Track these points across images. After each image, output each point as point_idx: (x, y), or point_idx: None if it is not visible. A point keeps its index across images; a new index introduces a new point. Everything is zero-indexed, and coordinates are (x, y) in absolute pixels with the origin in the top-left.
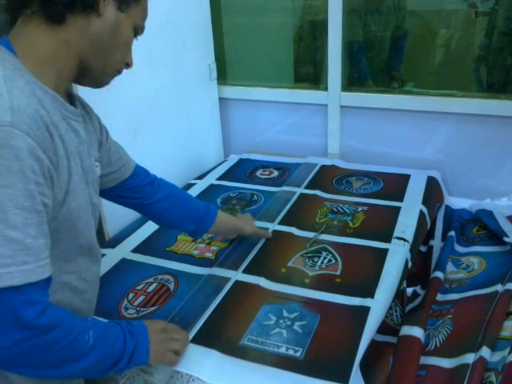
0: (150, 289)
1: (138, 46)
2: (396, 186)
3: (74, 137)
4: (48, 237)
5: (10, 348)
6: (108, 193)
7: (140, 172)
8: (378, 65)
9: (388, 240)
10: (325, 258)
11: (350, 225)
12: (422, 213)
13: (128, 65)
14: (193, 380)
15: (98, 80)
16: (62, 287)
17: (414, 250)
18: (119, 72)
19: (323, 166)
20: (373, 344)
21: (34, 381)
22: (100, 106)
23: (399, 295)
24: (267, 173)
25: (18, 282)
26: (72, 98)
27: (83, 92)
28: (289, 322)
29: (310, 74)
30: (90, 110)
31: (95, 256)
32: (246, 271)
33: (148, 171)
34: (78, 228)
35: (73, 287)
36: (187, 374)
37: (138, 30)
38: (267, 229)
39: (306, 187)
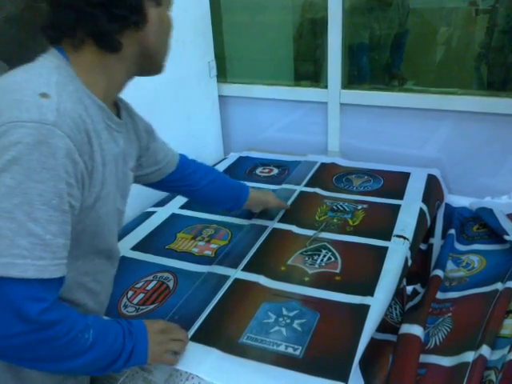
0: (150, 287)
1: None
2: (396, 183)
3: (113, 146)
4: (69, 238)
5: (8, 339)
6: (156, 185)
7: (184, 163)
8: (378, 63)
9: (388, 238)
10: (324, 255)
11: (350, 223)
12: (422, 211)
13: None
14: (192, 378)
15: (158, 70)
16: (78, 287)
17: (413, 248)
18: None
19: (323, 164)
20: (372, 342)
21: (43, 375)
22: None
23: (399, 293)
24: (267, 171)
25: (30, 276)
26: (118, 108)
27: None
28: (288, 320)
29: (310, 71)
30: (136, 115)
31: (114, 260)
32: (245, 269)
33: (191, 160)
34: (102, 233)
35: (88, 288)
36: (186, 372)
37: (170, 8)
38: (267, 227)
39: (306, 185)
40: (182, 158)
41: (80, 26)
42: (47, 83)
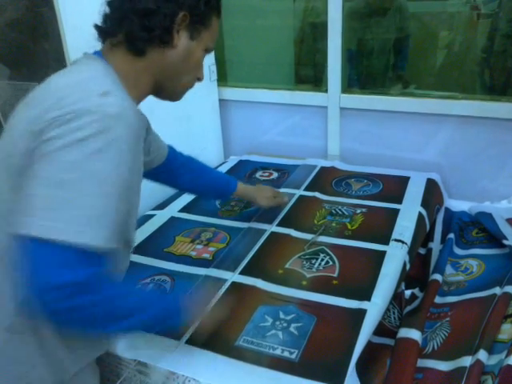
0: (147, 290)
1: None
2: (395, 188)
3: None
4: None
5: (55, 290)
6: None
7: (172, 156)
8: (374, 68)
9: (386, 242)
10: (322, 259)
11: (349, 227)
12: (420, 215)
13: (199, 79)
14: (188, 381)
15: (171, 97)
16: None
17: (412, 252)
18: (191, 87)
19: (323, 168)
20: (370, 346)
21: (64, 341)
22: None
23: (397, 297)
24: (267, 174)
25: (91, 243)
26: None
27: None
28: (285, 324)
29: (310, 76)
30: None
31: (129, 250)
32: (243, 272)
33: (179, 153)
34: (129, 223)
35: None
36: (183, 375)
37: (208, 50)
38: (265, 230)
39: (306, 189)
40: (171, 150)
41: (121, 28)
42: (105, 83)
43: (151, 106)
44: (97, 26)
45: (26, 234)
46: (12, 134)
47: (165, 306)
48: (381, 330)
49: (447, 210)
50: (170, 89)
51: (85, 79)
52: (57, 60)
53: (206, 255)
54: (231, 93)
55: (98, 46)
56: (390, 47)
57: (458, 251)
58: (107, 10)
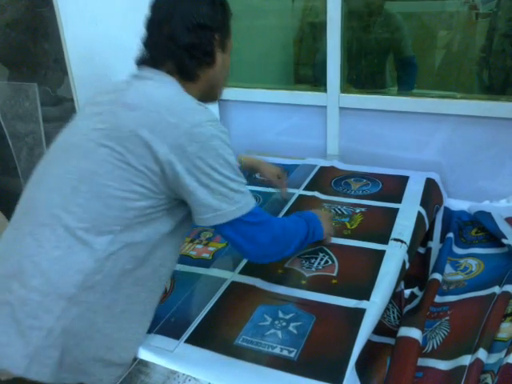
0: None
1: (136, 48)
2: (394, 187)
3: None
4: None
5: (268, 243)
6: None
7: None
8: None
9: (385, 241)
10: (321, 259)
11: (348, 226)
12: (420, 214)
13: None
14: (189, 380)
15: (214, 99)
16: (171, 259)
17: (411, 251)
18: (226, 85)
19: (322, 168)
20: (369, 345)
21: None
22: None
23: (397, 297)
24: None
25: (254, 205)
26: None
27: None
28: (284, 323)
29: (310, 75)
30: None
31: None
32: (242, 272)
33: None
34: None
35: (173, 262)
36: (183, 374)
37: (231, 51)
38: None
39: (305, 188)
40: None
41: (170, 61)
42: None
43: None
44: (142, 61)
45: (224, 222)
46: (108, 124)
47: (312, 218)
48: (380, 329)
49: (446, 209)
50: (213, 95)
51: (178, 94)
52: (56, 60)
53: (206, 255)
54: (230, 93)
55: (96, 45)
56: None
57: (458, 250)
58: (150, 48)
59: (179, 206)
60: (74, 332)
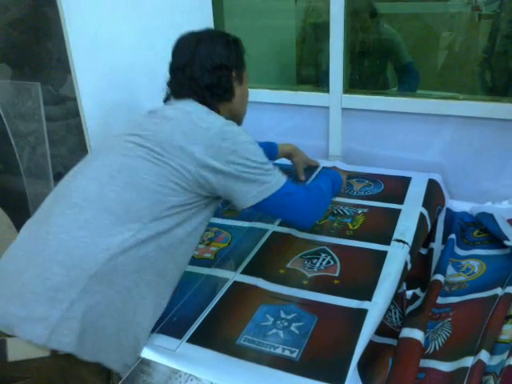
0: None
1: (141, 48)
2: (397, 188)
3: None
4: None
5: (307, 206)
6: None
7: None
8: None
9: (387, 242)
10: (323, 259)
11: (350, 227)
12: (422, 215)
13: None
14: (191, 380)
15: (240, 123)
16: (188, 258)
17: (413, 252)
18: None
19: (324, 168)
20: (371, 345)
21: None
22: (103, 115)
23: (399, 298)
24: None
25: (286, 179)
26: None
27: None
28: (286, 323)
29: (312, 76)
30: None
31: None
32: (244, 272)
33: None
34: None
35: (187, 263)
36: (185, 374)
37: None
38: (267, 230)
39: None
40: None
41: (193, 97)
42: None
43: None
44: (168, 96)
45: (266, 197)
46: (160, 137)
47: (334, 176)
48: (382, 329)
49: (448, 210)
50: (237, 121)
51: (205, 108)
52: (59, 60)
53: (208, 255)
54: None
55: (100, 44)
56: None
57: (460, 252)
58: (175, 88)
59: (203, 207)
60: (94, 308)
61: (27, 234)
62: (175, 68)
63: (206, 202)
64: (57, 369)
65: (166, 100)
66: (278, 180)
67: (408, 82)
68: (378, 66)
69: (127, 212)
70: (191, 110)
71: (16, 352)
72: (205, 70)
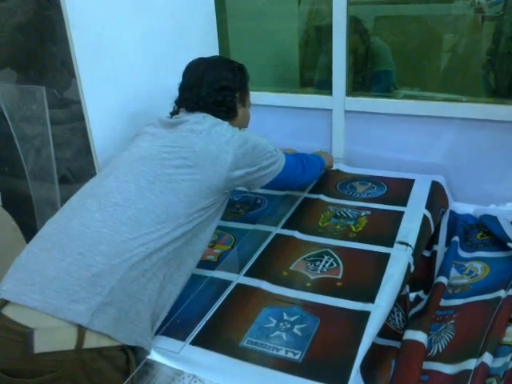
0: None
1: (145, 51)
2: (400, 190)
3: None
4: None
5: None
6: None
7: None
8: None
9: (390, 244)
10: (326, 261)
11: (353, 229)
12: (425, 217)
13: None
14: (194, 382)
15: None
16: (201, 254)
17: (416, 254)
18: None
19: (327, 171)
20: (374, 347)
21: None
22: (107, 119)
23: (402, 300)
24: None
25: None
26: None
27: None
28: (289, 325)
29: (315, 78)
30: None
31: None
32: (247, 274)
33: None
34: None
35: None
36: (189, 376)
37: (250, 106)
38: (270, 232)
39: (310, 191)
40: None
41: (201, 111)
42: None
43: (156, 106)
44: (176, 111)
45: (280, 171)
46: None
47: (316, 159)
48: (385, 331)
49: (452, 212)
50: None
51: (226, 123)
52: (64, 63)
53: (211, 257)
54: None
55: (104, 48)
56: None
57: (463, 254)
58: (183, 104)
59: (219, 206)
60: (130, 294)
61: (52, 229)
62: (184, 88)
63: (222, 200)
64: (79, 363)
65: (174, 113)
66: (282, 156)
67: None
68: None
69: (166, 213)
70: (214, 123)
71: (42, 344)
72: (211, 89)
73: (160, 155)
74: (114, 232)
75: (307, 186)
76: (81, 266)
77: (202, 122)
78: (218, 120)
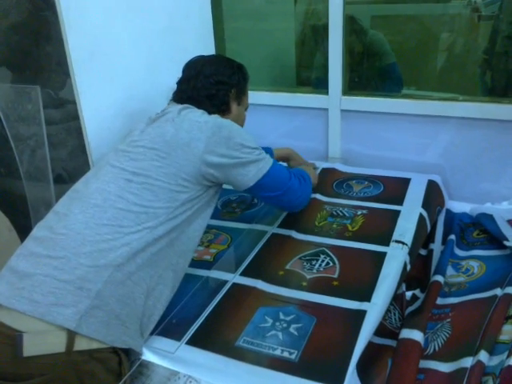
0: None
1: (140, 51)
2: (396, 189)
3: None
4: None
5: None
6: None
7: None
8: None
9: (386, 243)
10: (323, 261)
11: (349, 228)
12: (421, 216)
13: None
14: (190, 382)
15: None
16: (192, 251)
17: (412, 253)
18: None
19: (324, 170)
20: (370, 346)
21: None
22: (102, 119)
23: (398, 298)
24: None
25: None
26: None
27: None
28: (285, 325)
29: (311, 78)
30: None
31: None
32: (243, 274)
33: None
34: None
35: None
36: (184, 376)
37: (247, 109)
38: (266, 232)
39: None
40: None
41: (193, 103)
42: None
43: (154, 109)
44: (177, 97)
45: (264, 173)
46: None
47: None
48: (381, 330)
49: (448, 211)
50: None
51: (206, 113)
52: (59, 63)
53: (207, 257)
54: None
55: (99, 47)
56: None
57: (459, 252)
58: (179, 96)
59: (207, 202)
60: (117, 297)
61: (42, 233)
62: (182, 81)
63: (209, 195)
64: (71, 366)
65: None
66: (269, 158)
67: (389, 83)
68: (366, 69)
69: (146, 212)
70: (189, 111)
71: (32, 347)
72: (207, 82)
73: (137, 150)
74: (95, 233)
75: (305, 202)
76: (66, 270)
77: (178, 110)
78: (197, 109)
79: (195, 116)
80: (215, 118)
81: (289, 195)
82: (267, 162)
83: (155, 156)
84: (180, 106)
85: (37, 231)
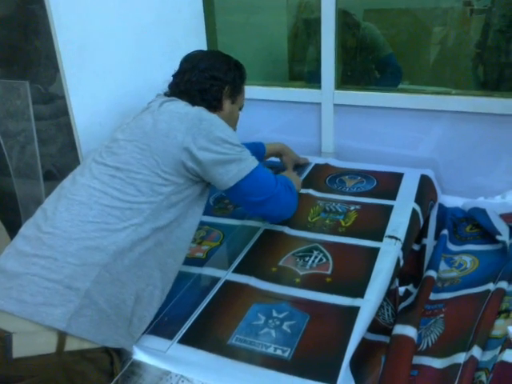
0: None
1: (131, 45)
2: (389, 184)
3: None
4: None
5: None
6: None
7: None
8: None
9: (380, 239)
10: (316, 257)
11: (342, 223)
12: (414, 211)
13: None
14: (182, 381)
15: None
16: (185, 250)
17: (406, 248)
18: None
19: (316, 165)
20: (364, 343)
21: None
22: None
23: (391, 294)
24: None
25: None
26: None
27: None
28: (278, 322)
29: (304, 72)
30: None
31: None
32: (236, 271)
33: None
34: None
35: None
36: (176, 375)
37: (241, 109)
38: (259, 228)
39: None
40: None
41: (183, 97)
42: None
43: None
44: (170, 91)
45: (245, 175)
46: (162, 133)
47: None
48: (375, 326)
49: (441, 206)
50: None
51: (189, 105)
52: (48, 58)
53: (200, 254)
54: None
55: (88, 42)
56: None
57: (452, 247)
58: (173, 88)
59: (195, 200)
60: (106, 297)
61: (30, 232)
62: (177, 73)
63: (197, 193)
64: (61, 366)
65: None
66: (254, 160)
67: (389, 75)
68: (360, 63)
69: (130, 208)
70: (171, 103)
71: (21, 348)
72: (202, 77)
73: (118, 144)
74: (81, 231)
75: (288, 214)
76: (53, 269)
77: (160, 102)
78: (181, 101)
79: (177, 107)
80: (198, 110)
81: (272, 203)
82: (251, 163)
83: (135, 148)
84: (164, 99)
85: (25, 229)
